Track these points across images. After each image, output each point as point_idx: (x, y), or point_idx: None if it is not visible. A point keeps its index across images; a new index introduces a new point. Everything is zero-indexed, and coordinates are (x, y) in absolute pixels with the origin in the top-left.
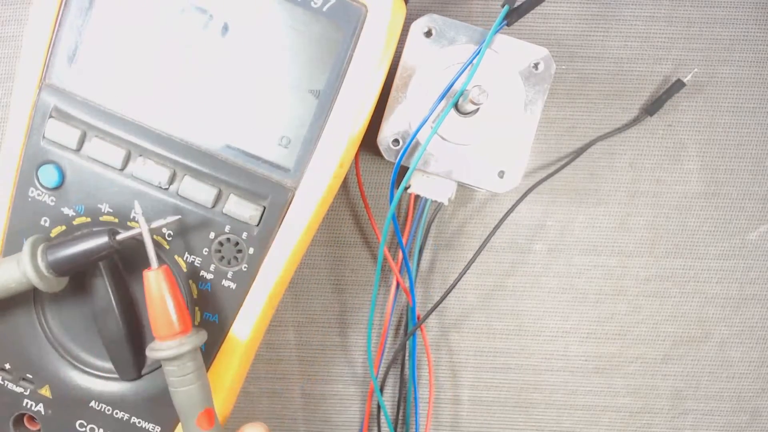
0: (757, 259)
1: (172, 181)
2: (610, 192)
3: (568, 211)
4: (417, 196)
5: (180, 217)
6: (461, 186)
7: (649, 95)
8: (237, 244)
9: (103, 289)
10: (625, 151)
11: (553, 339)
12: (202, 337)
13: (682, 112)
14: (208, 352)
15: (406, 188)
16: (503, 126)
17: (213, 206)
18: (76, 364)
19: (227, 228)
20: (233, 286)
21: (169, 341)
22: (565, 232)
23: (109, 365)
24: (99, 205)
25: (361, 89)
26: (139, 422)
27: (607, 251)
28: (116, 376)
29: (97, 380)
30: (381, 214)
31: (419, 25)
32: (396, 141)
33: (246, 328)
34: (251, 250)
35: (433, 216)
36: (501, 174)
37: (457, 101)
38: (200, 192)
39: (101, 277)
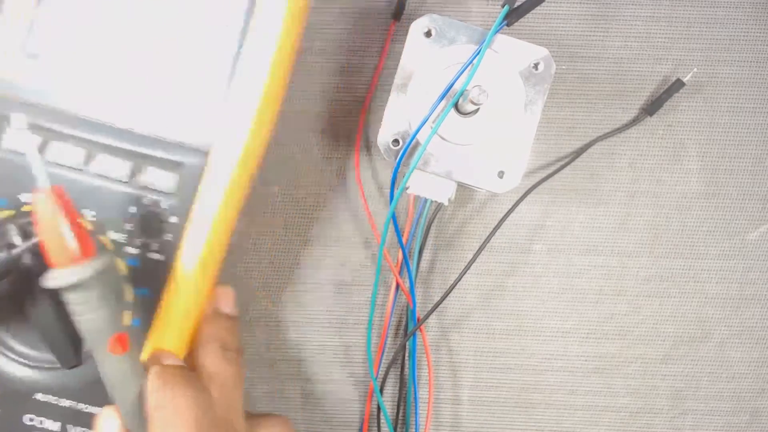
0: (757, 259)
1: (87, 160)
2: (610, 192)
3: (568, 211)
4: (417, 196)
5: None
6: (461, 186)
7: (649, 95)
8: (158, 215)
9: (31, 277)
10: (625, 151)
11: (553, 339)
12: (107, 259)
13: (682, 112)
14: (144, 327)
15: (406, 188)
16: (503, 126)
17: (129, 180)
18: (16, 358)
19: (146, 200)
20: (161, 257)
21: (68, 268)
22: (565, 232)
23: (48, 355)
24: (18, 196)
25: (265, 45)
26: (86, 407)
27: (607, 251)
28: (57, 365)
29: (39, 372)
30: (381, 214)
31: (419, 25)
32: (396, 141)
33: (181, 300)
34: (173, 219)
35: (433, 216)
36: (501, 174)
37: (457, 101)
38: (115, 167)
39: (28, 265)
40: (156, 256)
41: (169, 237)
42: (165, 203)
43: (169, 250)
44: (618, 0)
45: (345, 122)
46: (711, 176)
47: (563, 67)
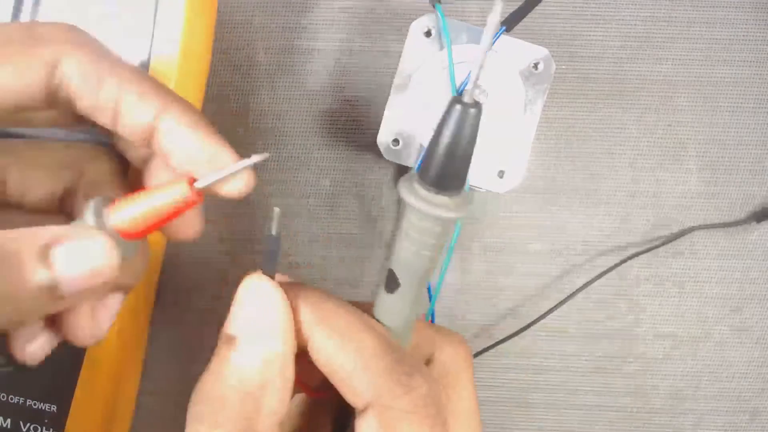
0: (757, 259)
1: None
2: (610, 192)
3: (568, 211)
4: None
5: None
6: None
7: (648, 95)
8: None
9: None
10: (624, 151)
11: (553, 339)
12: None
13: (682, 112)
14: None
15: None
16: (503, 126)
17: None
18: None
19: None
20: None
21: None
22: (565, 232)
23: None
24: None
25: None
26: (35, 404)
27: (607, 251)
28: (4, 362)
29: None
30: (381, 215)
31: (419, 25)
32: (396, 141)
33: None
34: None
35: None
36: (501, 174)
37: None
38: None
39: None
40: None
41: None
42: None
43: None
44: (618, 0)
45: (345, 122)
46: (711, 176)
47: (563, 67)
